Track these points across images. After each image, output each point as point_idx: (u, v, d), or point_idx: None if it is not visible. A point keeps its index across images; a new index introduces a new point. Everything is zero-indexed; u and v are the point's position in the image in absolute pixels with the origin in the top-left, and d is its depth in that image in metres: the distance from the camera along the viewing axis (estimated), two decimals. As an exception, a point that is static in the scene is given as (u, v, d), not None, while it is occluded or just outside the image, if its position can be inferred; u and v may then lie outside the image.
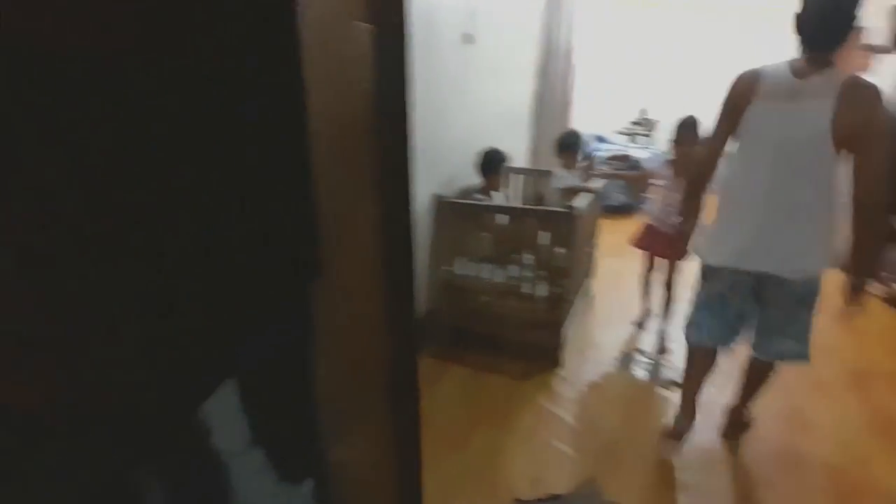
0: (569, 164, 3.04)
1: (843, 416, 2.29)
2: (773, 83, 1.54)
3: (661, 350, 2.74)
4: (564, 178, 2.98)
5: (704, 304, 1.80)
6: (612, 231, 4.31)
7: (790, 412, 2.30)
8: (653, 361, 2.67)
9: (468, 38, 2.71)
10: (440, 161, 2.64)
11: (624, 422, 2.23)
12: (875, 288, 3.46)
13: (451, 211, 2.57)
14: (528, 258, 2.49)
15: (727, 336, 1.81)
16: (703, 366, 1.90)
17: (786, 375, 2.11)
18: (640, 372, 2.59)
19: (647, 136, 5.74)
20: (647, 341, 2.84)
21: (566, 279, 2.43)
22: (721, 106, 1.67)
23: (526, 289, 2.53)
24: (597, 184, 3.00)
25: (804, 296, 1.66)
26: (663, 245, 2.70)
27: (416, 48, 2.15)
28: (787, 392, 2.36)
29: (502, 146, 2.93)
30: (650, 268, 2.91)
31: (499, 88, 3.29)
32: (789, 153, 1.52)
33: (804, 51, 1.51)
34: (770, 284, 1.65)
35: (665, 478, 1.93)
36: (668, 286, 2.80)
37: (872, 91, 1.44)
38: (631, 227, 4.65)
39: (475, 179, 2.94)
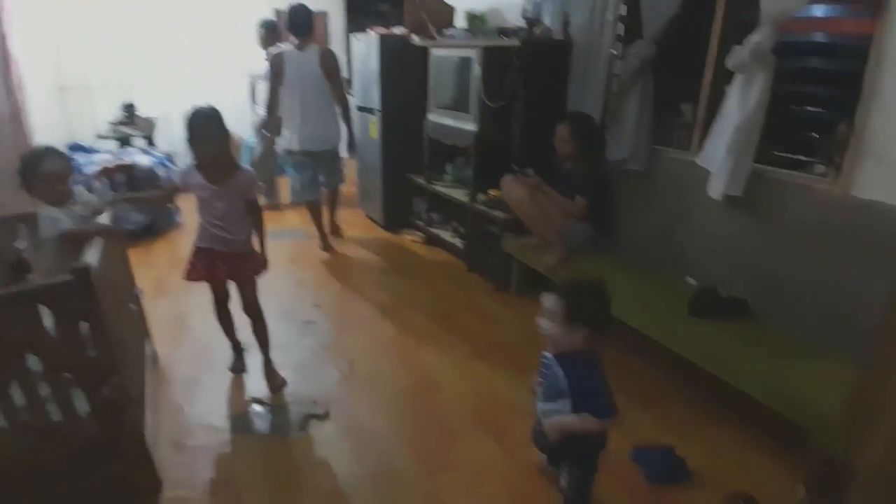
0: (51, 199, 1.84)
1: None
2: (290, 55, 3.40)
3: (277, 385, 2.24)
4: (60, 219, 1.81)
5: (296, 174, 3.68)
6: (144, 263, 3.38)
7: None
8: (271, 405, 2.15)
9: None
10: None
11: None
12: (412, 234, 4.06)
13: None
14: (26, 367, 1.44)
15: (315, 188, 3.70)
16: (318, 210, 3.74)
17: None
18: (265, 426, 2.04)
19: (144, 137, 4.76)
20: (257, 384, 2.28)
21: (114, 373, 1.53)
22: (271, 73, 3.45)
23: (53, 414, 1.48)
24: (105, 216, 2.03)
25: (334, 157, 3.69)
26: (230, 266, 2.14)
27: None
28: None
29: None
30: (223, 297, 2.28)
31: None
32: (307, 85, 3.40)
33: (296, 37, 3.41)
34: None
35: None
36: (252, 309, 2.23)
37: (333, 53, 3.47)
38: (163, 250, 3.88)
39: None
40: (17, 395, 1.44)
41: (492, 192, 3.21)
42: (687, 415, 2.08)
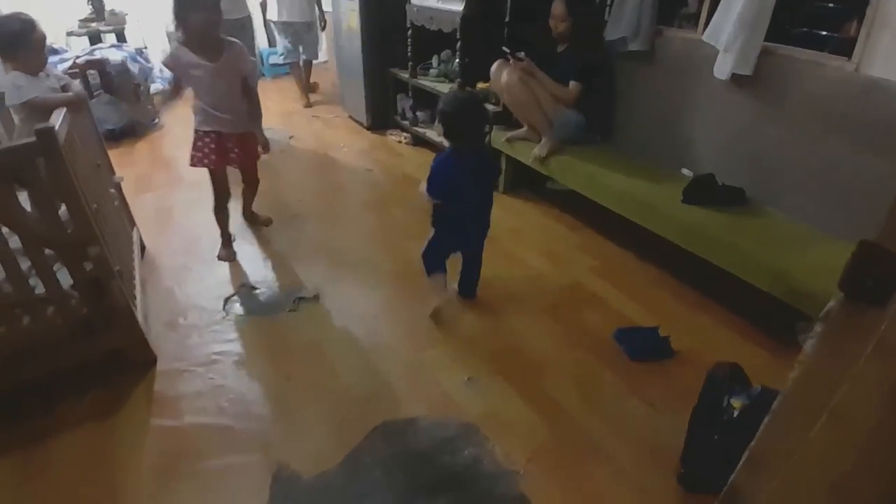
0: (32, 68, 1.83)
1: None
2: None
3: (266, 220, 2.51)
4: (23, 86, 1.78)
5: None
6: (127, 163, 3.31)
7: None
8: (261, 288, 2.19)
9: None
10: None
11: (281, 375, 1.75)
12: (397, 135, 3.93)
13: None
14: (6, 241, 1.43)
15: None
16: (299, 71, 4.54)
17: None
18: (255, 306, 2.09)
19: (115, 32, 4.45)
20: (247, 269, 2.31)
21: (94, 245, 1.52)
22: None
23: (36, 288, 1.50)
24: (77, 88, 1.95)
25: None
26: (238, 147, 2.18)
27: None
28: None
29: None
30: (225, 189, 2.28)
31: None
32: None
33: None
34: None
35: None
36: (254, 183, 2.51)
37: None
38: (144, 150, 3.78)
39: None
40: None
41: (480, 85, 3.06)
42: (674, 301, 2.12)
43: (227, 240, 2.41)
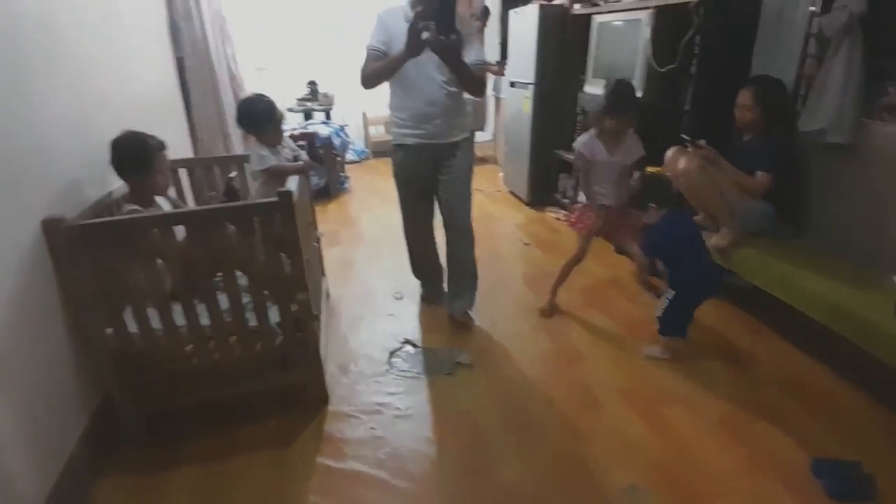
0: (273, 140, 2.27)
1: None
2: None
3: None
4: (266, 157, 2.21)
5: None
6: (320, 219, 3.79)
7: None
8: (422, 347, 2.30)
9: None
10: (36, 169, 1.55)
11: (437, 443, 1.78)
12: (556, 212, 3.99)
13: (86, 239, 1.54)
14: (236, 279, 1.72)
15: None
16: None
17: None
18: (416, 363, 2.18)
19: (324, 110, 5.33)
20: (410, 327, 2.46)
21: (302, 291, 1.76)
22: None
23: (250, 320, 1.76)
24: (304, 158, 2.38)
25: None
26: (617, 220, 2.48)
27: None
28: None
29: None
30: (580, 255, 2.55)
31: (108, 63, 2.21)
32: None
33: None
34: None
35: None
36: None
37: None
38: (335, 209, 4.36)
39: (112, 183, 1.92)
40: (223, 302, 1.73)
41: (650, 169, 3.00)
42: (880, 432, 1.77)
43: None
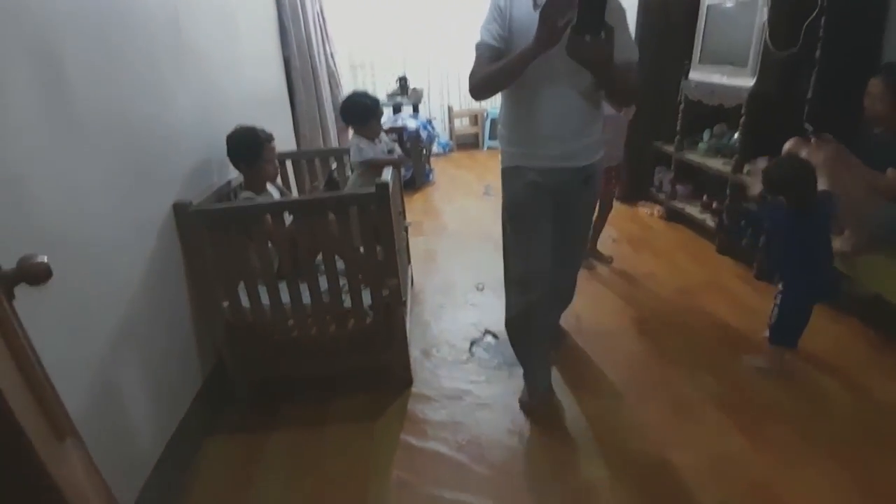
0: (372, 134, 2.40)
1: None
2: None
3: None
4: (364, 149, 2.33)
5: None
6: (406, 209, 3.94)
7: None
8: (501, 339, 2.30)
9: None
10: (167, 157, 1.75)
11: (515, 432, 1.80)
12: (649, 207, 3.80)
13: (209, 222, 1.73)
14: (335, 262, 1.84)
15: None
16: None
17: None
18: (496, 354, 2.20)
19: (412, 105, 5.47)
20: (492, 317, 2.48)
21: (393, 277, 1.85)
22: None
23: (346, 301, 1.88)
24: (398, 151, 2.48)
25: None
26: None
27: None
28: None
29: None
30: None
31: (225, 59, 2.43)
32: None
33: None
34: None
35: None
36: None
37: None
38: (419, 200, 4.48)
39: (231, 173, 2.12)
40: (320, 285, 1.85)
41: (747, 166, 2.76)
42: None
43: None
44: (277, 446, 1.77)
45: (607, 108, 2.10)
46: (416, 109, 5.43)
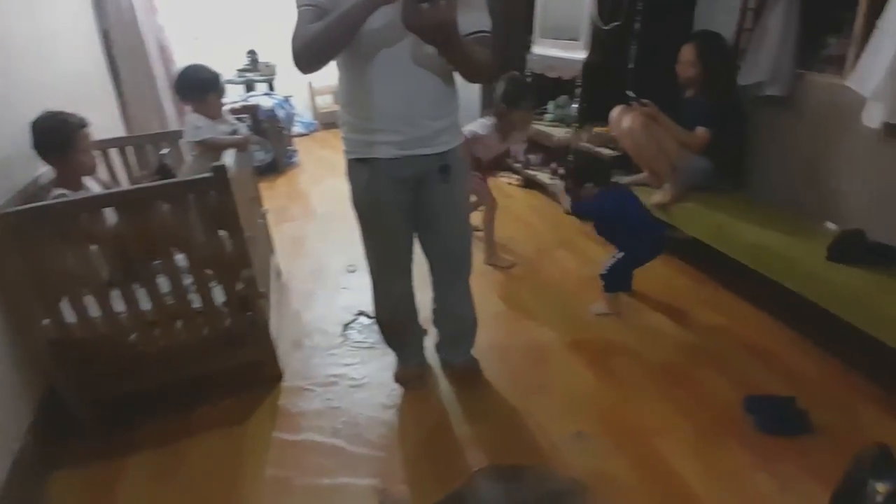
0: (212, 112, 2.20)
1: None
2: None
3: None
4: (201, 127, 2.13)
5: None
6: (268, 195, 3.69)
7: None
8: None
9: None
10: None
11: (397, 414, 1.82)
12: (508, 177, 4.00)
13: (13, 227, 1.46)
14: (177, 259, 1.67)
15: None
16: None
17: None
18: (371, 334, 2.19)
19: (266, 81, 5.11)
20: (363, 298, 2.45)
21: (247, 268, 1.73)
22: None
23: (194, 302, 1.72)
24: (244, 132, 2.29)
25: None
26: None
27: None
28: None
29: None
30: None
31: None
32: None
33: None
34: None
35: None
36: None
37: None
38: (284, 185, 4.24)
39: (39, 168, 1.82)
40: (161, 287, 1.68)
41: (597, 129, 3.04)
42: (814, 369, 1.89)
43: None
44: (136, 471, 1.59)
45: (492, 140, 2.46)
46: (271, 86, 5.09)
